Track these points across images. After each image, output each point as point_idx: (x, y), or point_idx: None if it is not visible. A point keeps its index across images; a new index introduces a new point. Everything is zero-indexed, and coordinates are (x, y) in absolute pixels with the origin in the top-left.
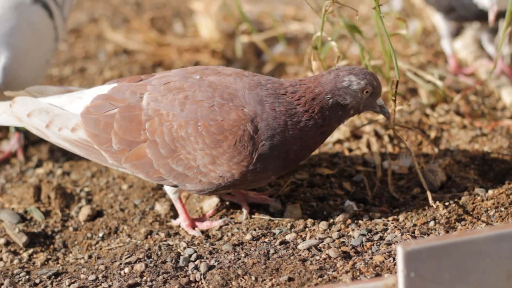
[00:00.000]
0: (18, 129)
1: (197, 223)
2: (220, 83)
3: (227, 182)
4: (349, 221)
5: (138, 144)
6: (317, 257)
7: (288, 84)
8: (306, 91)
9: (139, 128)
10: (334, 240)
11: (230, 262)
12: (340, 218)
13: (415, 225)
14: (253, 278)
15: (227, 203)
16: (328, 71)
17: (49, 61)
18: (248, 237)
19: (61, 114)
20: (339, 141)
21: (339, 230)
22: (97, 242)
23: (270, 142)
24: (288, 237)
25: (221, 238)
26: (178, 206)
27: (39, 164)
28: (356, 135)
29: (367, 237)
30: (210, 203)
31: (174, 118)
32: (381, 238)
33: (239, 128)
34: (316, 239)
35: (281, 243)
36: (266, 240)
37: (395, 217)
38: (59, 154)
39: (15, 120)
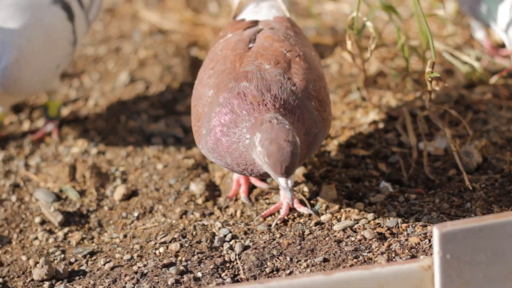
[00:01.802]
0: (48, 117)
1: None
2: (238, 59)
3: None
4: (384, 202)
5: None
6: (352, 238)
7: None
8: (246, 115)
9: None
10: (369, 221)
11: (265, 242)
12: (375, 199)
13: (451, 206)
14: (288, 258)
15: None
16: (269, 115)
17: (62, 66)
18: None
19: None
20: (374, 122)
21: (374, 211)
22: (132, 222)
23: (207, 136)
24: (323, 218)
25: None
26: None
27: (74, 143)
28: (391, 116)
29: (403, 218)
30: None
31: (204, 71)
32: (417, 220)
33: (196, 104)
34: (351, 220)
35: (316, 224)
36: (301, 221)
37: (431, 198)
38: (94, 134)
39: None
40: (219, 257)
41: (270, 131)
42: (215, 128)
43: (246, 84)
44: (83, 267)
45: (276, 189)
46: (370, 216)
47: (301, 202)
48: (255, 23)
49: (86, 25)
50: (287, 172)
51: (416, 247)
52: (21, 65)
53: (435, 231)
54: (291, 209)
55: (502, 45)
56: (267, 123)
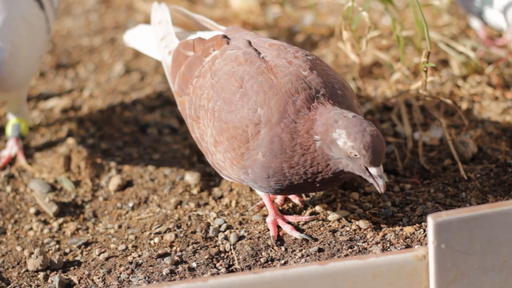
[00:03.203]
0: (14, 134)
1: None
2: (267, 72)
3: (224, 172)
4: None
5: (185, 94)
6: (347, 228)
7: (319, 106)
8: (309, 119)
9: (190, 81)
10: (364, 211)
11: (260, 232)
12: (370, 189)
13: (446, 196)
14: (283, 248)
15: None
16: (337, 112)
17: (42, 56)
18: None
19: (171, 33)
20: (370, 112)
21: (369, 201)
22: (127, 212)
23: (264, 159)
24: (318, 208)
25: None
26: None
27: (69, 134)
28: (387, 106)
29: (398, 208)
30: None
31: (208, 86)
32: (412, 210)
33: (241, 126)
34: (346, 210)
35: (311, 214)
36: (296, 210)
37: (426, 188)
38: (89, 124)
39: (152, 25)
40: (214, 247)
41: (354, 124)
42: (283, 145)
43: (298, 97)
44: (77, 258)
45: None
46: (365, 206)
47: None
48: (225, 36)
49: (53, 13)
50: (382, 160)
51: (411, 236)
52: (15, 58)
53: (430, 220)
54: (286, 199)
55: (498, 35)
56: (342, 118)
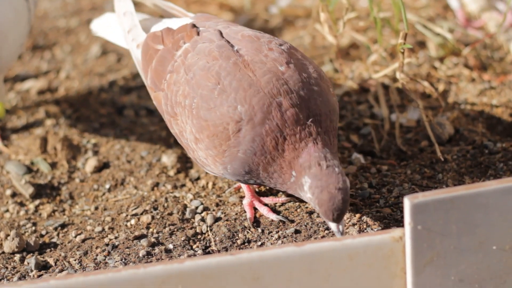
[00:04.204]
0: None
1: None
2: (245, 68)
3: (207, 168)
4: (356, 173)
5: (159, 90)
6: None
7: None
8: (294, 150)
9: (163, 76)
10: None
11: (236, 214)
12: (347, 170)
13: (423, 178)
14: (259, 230)
15: None
16: (318, 153)
17: (23, 45)
18: (255, 189)
19: (137, 26)
20: (347, 94)
21: None
22: (104, 194)
23: (243, 156)
24: None
25: (227, 190)
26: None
27: (46, 116)
28: (364, 87)
29: (375, 189)
30: None
31: (183, 82)
32: (389, 191)
33: (221, 123)
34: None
35: (288, 195)
36: (273, 192)
37: (403, 169)
38: (65, 106)
39: (117, 16)
40: (191, 229)
41: (320, 177)
42: (263, 148)
43: (281, 100)
44: (54, 240)
45: None
46: None
47: None
48: (194, 25)
49: (34, 6)
50: (339, 219)
51: (388, 218)
52: (1, 40)
53: (407, 202)
54: None
55: (475, 17)
56: (316, 166)
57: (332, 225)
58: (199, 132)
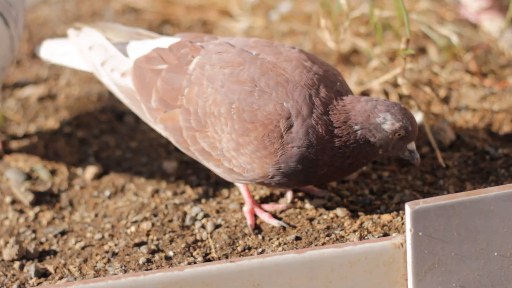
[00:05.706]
0: None
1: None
2: (274, 67)
3: (247, 174)
4: (357, 179)
5: (174, 108)
6: (325, 216)
7: (340, 97)
8: (342, 110)
9: (178, 92)
10: (342, 199)
11: (237, 221)
12: (348, 176)
13: (424, 184)
14: (260, 237)
15: None
16: (366, 99)
17: (5, 70)
18: (255, 196)
19: (116, 56)
20: None
21: (347, 189)
22: (104, 201)
23: (300, 151)
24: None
25: (228, 197)
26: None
27: (45, 122)
28: (364, 93)
29: (375, 196)
30: None
31: (211, 92)
32: (390, 197)
33: (271, 122)
34: (323, 198)
35: (289, 202)
36: (274, 199)
37: (404, 176)
38: (66, 113)
39: (78, 52)
40: (191, 235)
41: (392, 106)
42: (324, 137)
43: (318, 89)
44: (53, 247)
45: None
46: (342, 193)
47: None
48: (190, 41)
49: (17, 38)
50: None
51: (389, 224)
52: None
53: (408, 208)
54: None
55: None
56: (377, 103)
57: (413, 145)
58: (244, 135)
